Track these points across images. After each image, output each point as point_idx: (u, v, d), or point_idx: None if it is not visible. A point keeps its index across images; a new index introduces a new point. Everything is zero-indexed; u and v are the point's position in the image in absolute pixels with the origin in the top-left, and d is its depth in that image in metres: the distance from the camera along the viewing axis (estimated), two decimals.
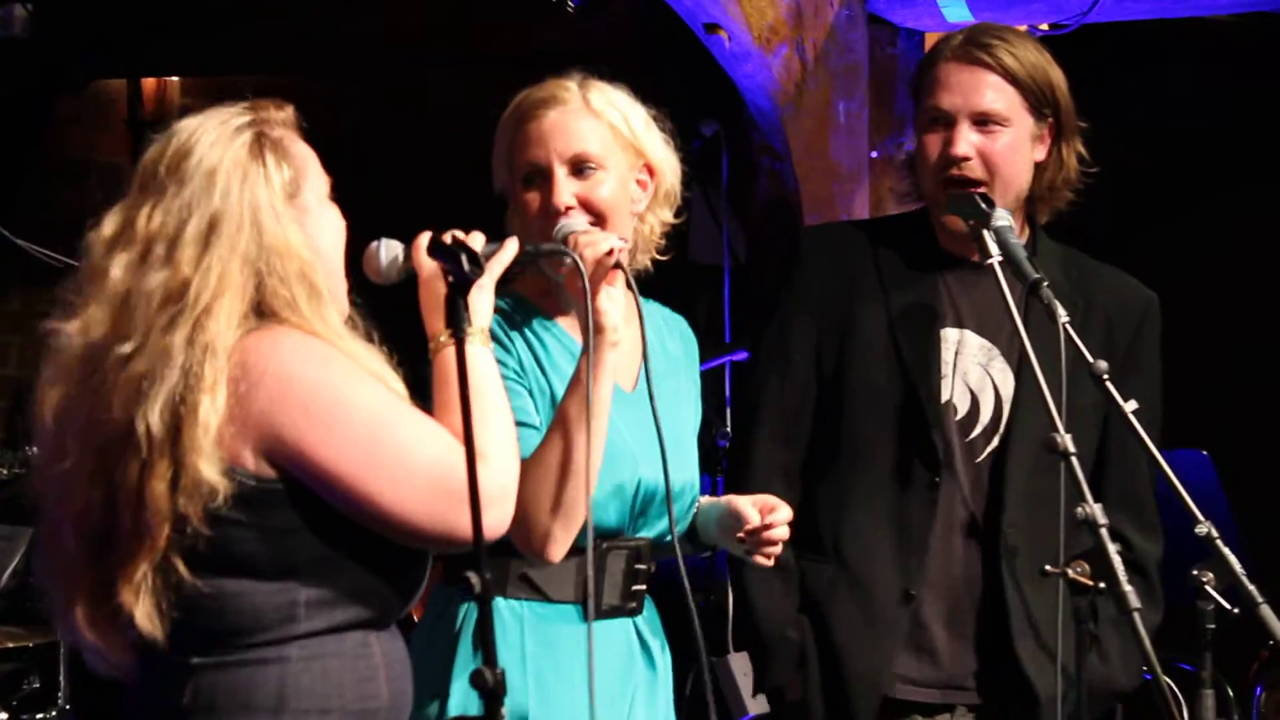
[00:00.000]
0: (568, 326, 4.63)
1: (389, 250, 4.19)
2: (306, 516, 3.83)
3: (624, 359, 4.65)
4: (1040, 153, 5.04)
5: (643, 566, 4.65)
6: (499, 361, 4.35)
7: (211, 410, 3.72)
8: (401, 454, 3.82)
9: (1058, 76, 5.04)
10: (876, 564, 5.00)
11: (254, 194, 3.96)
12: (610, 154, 4.54)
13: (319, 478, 3.81)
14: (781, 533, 4.59)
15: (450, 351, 3.96)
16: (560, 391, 4.49)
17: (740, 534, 4.59)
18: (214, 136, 3.97)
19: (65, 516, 3.92)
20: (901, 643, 4.99)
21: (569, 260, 4.31)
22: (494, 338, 4.41)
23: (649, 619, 4.72)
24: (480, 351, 4.04)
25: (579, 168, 4.52)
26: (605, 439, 4.43)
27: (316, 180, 4.07)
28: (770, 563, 4.62)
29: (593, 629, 4.38)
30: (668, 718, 4.77)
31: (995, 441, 5.04)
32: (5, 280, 9.43)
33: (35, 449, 6.72)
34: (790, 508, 4.72)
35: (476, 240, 4.18)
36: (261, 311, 3.88)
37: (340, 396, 3.84)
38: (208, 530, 3.74)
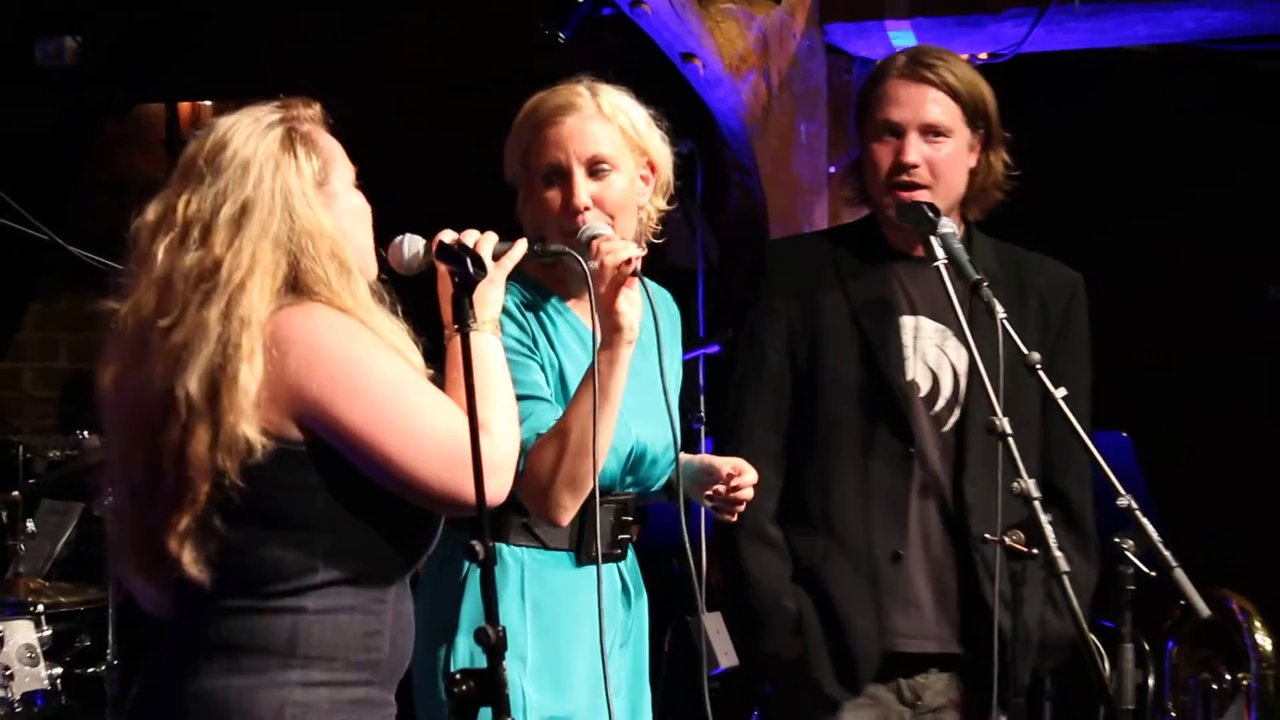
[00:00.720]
0: (579, 310, 4.59)
1: (411, 245, 4.16)
2: (327, 477, 3.84)
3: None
4: (973, 160, 5.03)
5: (629, 518, 4.67)
6: (515, 339, 4.47)
7: (250, 376, 3.74)
8: (416, 420, 3.82)
9: (988, 92, 5.04)
10: (865, 530, 4.96)
11: (286, 182, 3.95)
12: (621, 155, 4.51)
13: (342, 438, 3.82)
14: (747, 494, 4.59)
15: (474, 339, 3.91)
16: (569, 368, 4.53)
17: (710, 491, 4.60)
18: (248, 131, 3.95)
19: (120, 477, 3.95)
20: (894, 599, 4.98)
21: (578, 268, 4.27)
22: (511, 317, 4.49)
23: (630, 566, 4.71)
24: (488, 339, 4.05)
25: (595, 169, 4.48)
26: (617, 421, 4.44)
27: (343, 169, 4.04)
28: (734, 518, 4.63)
29: (600, 576, 4.36)
30: (640, 656, 4.74)
31: (957, 413, 5.02)
32: (56, 283, 9.41)
33: (86, 432, 6.72)
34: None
35: (490, 240, 4.18)
36: (297, 288, 3.87)
37: (364, 366, 3.84)
38: (242, 485, 3.75)
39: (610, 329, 4.34)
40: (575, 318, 4.60)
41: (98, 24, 8.43)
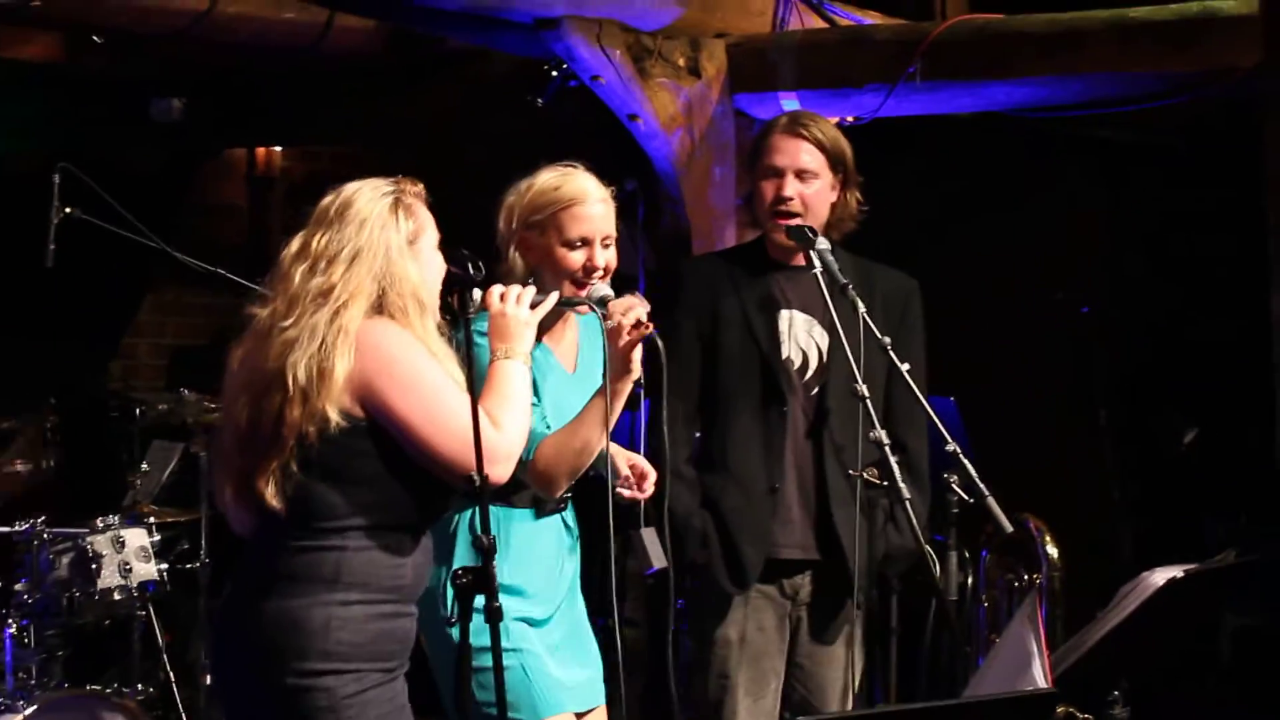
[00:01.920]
0: (550, 344, 4.66)
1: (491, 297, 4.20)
2: (379, 448, 3.97)
3: (567, 351, 4.73)
4: (834, 196, 5.10)
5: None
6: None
7: (341, 369, 3.90)
8: (448, 415, 3.94)
9: (847, 147, 5.12)
10: (750, 469, 5.05)
11: (387, 236, 4.07)
12: (614, 235, 4.61)
13: (393, 421, 3.96)
14: (647, 490, 4.67)
15: (500, 363, 4.18)
16: (544, 388, 4.57)
17: (620, 479, 4.66)
18: (369, 196, 4.11)
19: (229, 428, 4.07)
20: (774, 520, 5.04)
21: (607, 322, 4.40)
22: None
23: (570, 514, 4.76)
24: (518, 366, 4.16)
25: (606, 243, 4.56)
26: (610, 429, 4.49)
27: (430, 234, 4.16)
28: (637, 496, 4.65)
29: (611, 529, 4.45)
30: (577, 571, 4.79)
31: (819, 382, 5.08)
32: (165, 280, 9.35)
33: (185, 390, 6.68)
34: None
35: (529, 292, 4.26)
36: (381, 311, 4.02)
37: (416, 370, 3.98)
38: (318, 445, 3.91)
39: (623, 371, 4.42)
40: (551, 355, 4.68)
41: (197, 89, 8.40)
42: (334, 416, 3.93)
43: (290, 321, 4.00)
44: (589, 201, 4.55)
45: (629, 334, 4.38)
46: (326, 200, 4.14)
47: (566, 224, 4.53)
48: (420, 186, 4.21)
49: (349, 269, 4.03)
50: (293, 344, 3.96)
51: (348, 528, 3.98)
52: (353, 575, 3.97)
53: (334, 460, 3.97)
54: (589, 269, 4.52)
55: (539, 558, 4.63)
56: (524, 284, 4.36)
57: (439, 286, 4.18)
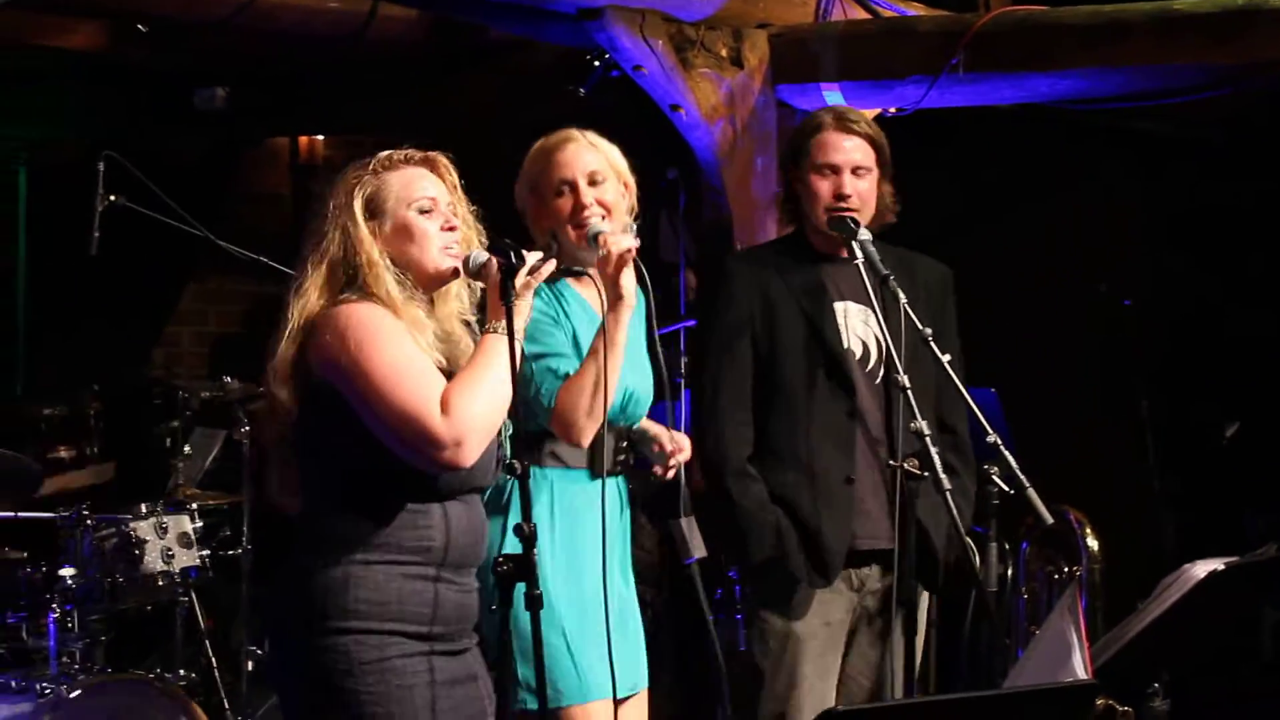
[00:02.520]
0: (587, 296, 4.66)
1: (475, 257, 4.15)
2: (348, 420, 3.92)
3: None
4: (882, 189, 5.10)
5: (624, 444, 4.73)
6: (543, 313, 4.55)
7: (289, 359, 3.90)
8: (392, 393, 3.81)
9: (886, 140, 5.12)
10: (824, 461, 5.01)
11: (344, 218, 3.98)
12: (607, 171, 4.63)
13: (348, 395, 3.87)
14: (683, 456, 4.72)
15: (486, 338, 3.96)
16: (581, 333, 4.60)
17: (656, 448, 4.73)
18: (341, 180, 4.05)
19: (274, 420, 4.07)
20: (852, 511, 5.01)
21: (590, 273, 4.49)
22: (541, 298, 4.52)
23: (623, 483, 4.78)
24: (502, 341, 3.93)
25: (592, 180, 4.59)
26: (621, 366, 4.51)
27: (399, 199, 4.02)
28: (668, 475, 4.70)
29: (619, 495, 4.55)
30: (627, 550, 4.83)
31: (882, 370, 5.05)
32: (207, 268, 9.38)
33: (227, 378, 6.72)
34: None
35: (533, 256, 4.05)
36: (357, 286, 3.93)
37: (382, 348, 3.85)
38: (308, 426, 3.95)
39: (615, 298, 4.44)
40: (584, 301, 4.68)
41: (240, 78, 8.43)
42: (293, 401, 3.94)
43: (286, 315, 4.02)
44: (563, 146, 4.66)
45: (614, 261, 4.43)
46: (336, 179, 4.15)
47: (551, 174, 4.63)
48: (407, 150, 4.10)
49: (315, 256, 3.99)
50: (283, 334, 3.98)
51: (361, 494, 3.94)
52: (374, 538, 3.91)
53: (319, 434, 3.97)
54: (578, 207, 4.58)
55: (593, 525, 4.60)
56: (546, 250, 4.31)
57: (416, 248, 4.03)
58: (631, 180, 4.70)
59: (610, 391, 4.47)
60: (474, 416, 3.84)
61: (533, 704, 4.37)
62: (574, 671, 4.54)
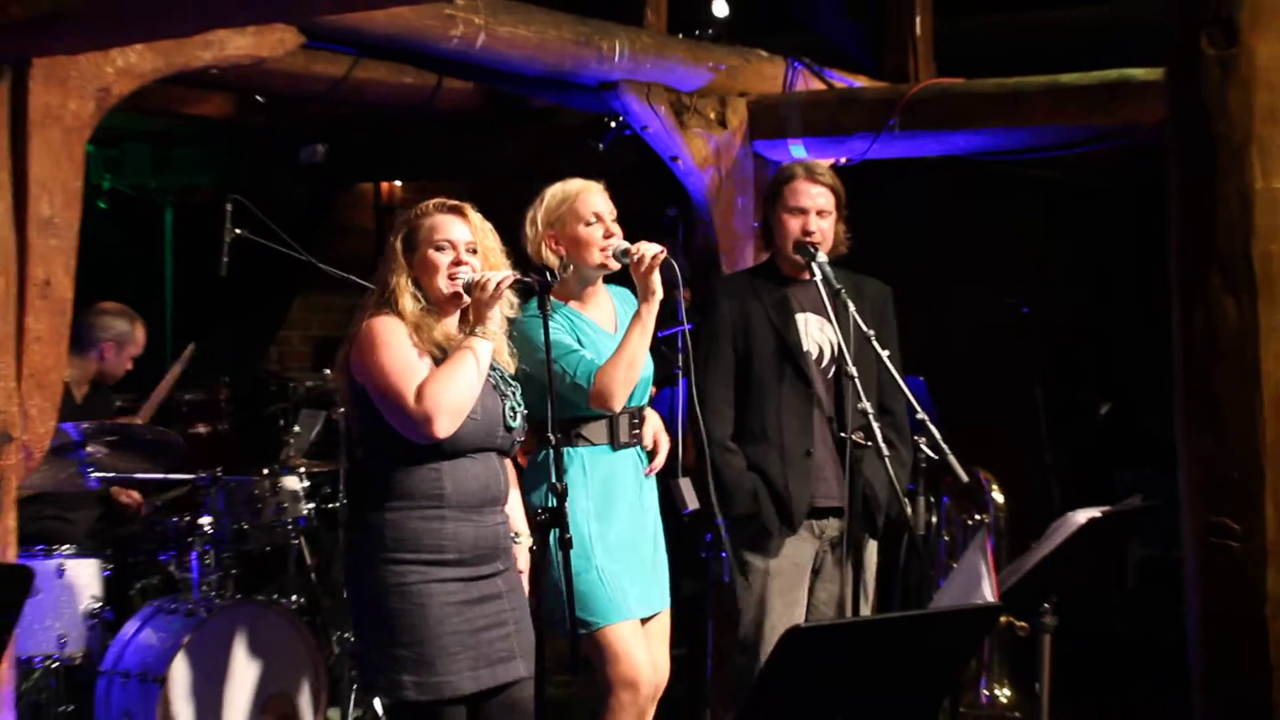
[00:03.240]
0: (580, 308, 4.73)
1: (466, 282, 4.07)
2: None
3: (606, 316, 4.80)
4: (837, 228, 5.10)
5: (637, 421, 4.76)
6: (565, 331, 4.60)
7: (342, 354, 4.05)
8: (383, 386, 3.93)
9: (843, 189, 5.12)
10: (789, 438, 5.02)
11: (392, 252, 4.07)
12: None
13: (368, 390, 3.98)
14: (663, 453, 4.84)
15: (463, 341, 4.01)
16: (585, 338, 4.65)
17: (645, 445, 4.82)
18: (397, 225, 4.15)
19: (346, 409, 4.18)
20: (811, 477, 5.03)
21: (632, 258, 4.57)
22: (557, 323, 4.55)
23: (640, 451, 4.79)
24: (482, 343, 4.01)
25: (611, 216, 4.71)
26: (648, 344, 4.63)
27: (429, 240, 4.08)
28: (655, 466, 4.83)
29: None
30: (655, 496, 4.86)
31: (833, 367, 5.06)
32: (311, 285, 9.40)
33: (327, 370, 6.73)
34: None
35: (496, 275, 4.05)
36: (387, 304, 4.03)
37: (377, 347, 3.95)
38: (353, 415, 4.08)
39: (647, 293, 4.55)
40: (578, 313, 4.73)
41: (335, 137, 8.45)
42: (351, 387, 4.03)
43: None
44: (589, 189, 4.73)
45: (648, 263, 4.53)
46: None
47: (580, 209, 4.67)
48: (443, 200, 4.15)
49: (374, 279, 4.12)
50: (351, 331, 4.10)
51: (390, 458, 4.01)
52: (400, 489, 3.98)
53: (361, 415, 4.04)
54: (606, 235, 4.66)
55: (620, 485, 4.67)
56: (561, 271, 4.56)
57: (434, 278, 4.05)
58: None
59: (639, 365, 4.59)
60: (442, 399, 3.90)
61: (575, 631, 4.32)
62: (607, 598, 4.57)
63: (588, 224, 4.66)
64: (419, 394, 3.88)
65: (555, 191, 4.74)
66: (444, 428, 3.90)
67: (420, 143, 8.20)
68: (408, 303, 4.01)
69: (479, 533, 4.02)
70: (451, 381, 3.91)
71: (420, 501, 3.98)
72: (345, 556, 4.16)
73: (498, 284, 4.01)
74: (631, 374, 4.58)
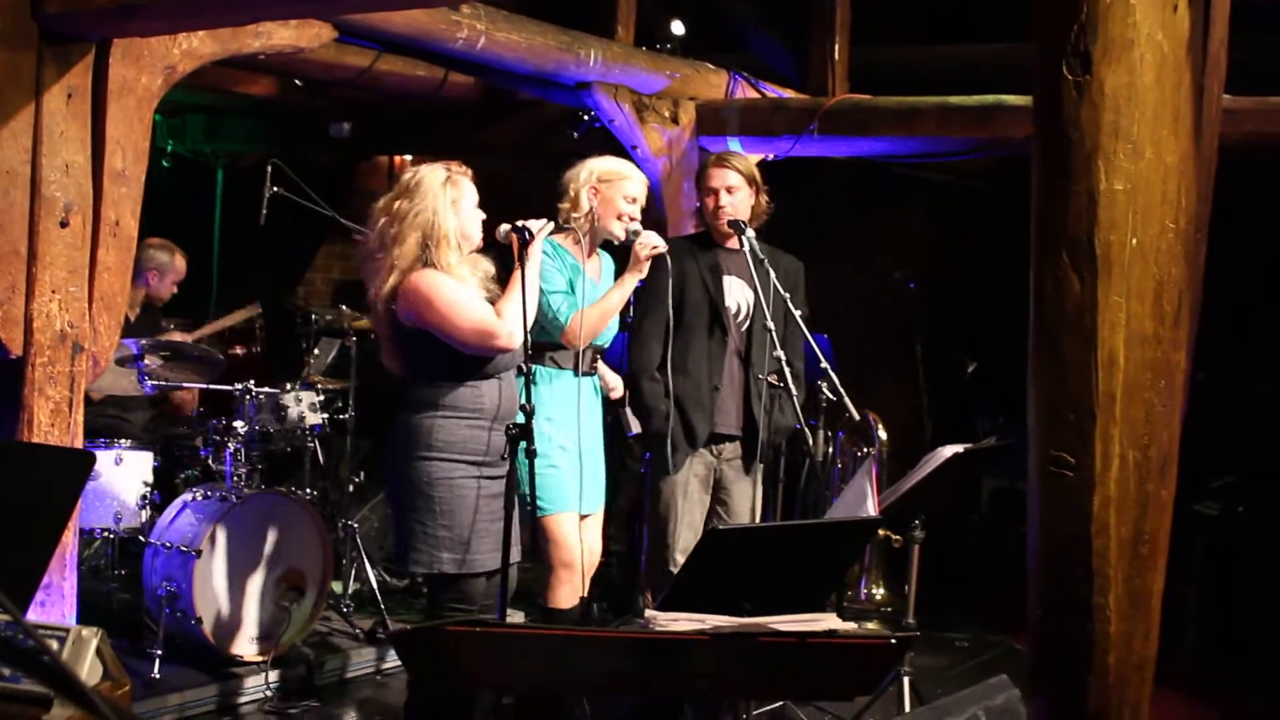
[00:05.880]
0: (573, 252, 4.73)
1: (502, 231, 4.19)
2: (426, 338, 4.01)
3: (594, 270, 4.82)
4: (753, 200, 5.04)
5: (598, 356, 4.80)
6: (557, 271, 4.62)
7: (394, 295, 3.99)
8: (456, 319, 3.96)
9: (757, 170, 5.07)
10: (701, 374, 4.98)
11: (438, 202, 4.01)
12: (645, 198, 4.84)
13: (430, 327, 3.98)
14: (619, 387, 4.96)
15: (514, 275, 4.09)
16: (575, 283, 4.67)
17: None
18: (431, 175, 4.09)
19: (381, 333, 4.15)
20: (715, 407, 4.99)
21: (637, 240, 4.64)
22: (551, 261, 4.60)
23: (595, 379, 4.83)
24: (529, 273, 4.10)
25: (639, 200, 4.79)
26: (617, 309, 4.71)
27: (470, 197, 4.12)
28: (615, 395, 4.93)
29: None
30: (600, 419, 4.88)
31: (747, 321, 5.04)
32: (335, 237, 9.38)
33: (344, 306, 6.66)
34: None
35: (536, 224, 4.21)
36: (427, 251, 4.01)
37: (436, 294, 3.96)
38: (395, 340, 4.07)
39: (637, 269, 4.62)
40: (568, 253, 4.72)
41: (359, 116, 8.39)
42: (400, 326, 4.01)
43: (380, 256, 4.04)
44: (641, 181, 4.80)
45: (649, 250, 4.63)
46: (407, 175, 4.14)
47: (625, 188, 4.74)
48: (464, 167, 4.16)
49: (410, 225, 4.03)
50: (379, 275, 4.01)
51: (440, 378, 4.04)
52: (448, 402, 4.03)
53: (417, 346, 4.04)
54: (632, 216, 4.74)
55: (577, 404, 4.69)
56: (587, 217, 4.66)
57: (478, 228, 4.14)
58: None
59: (610, 318, 4.67)
60: (514, 318, 4.00)
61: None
62: (557, 490, 4.62)
63: (627, 200, 4.74)
64: (499, 314, 4.01)
65: (615, 162, 4.84)
66: (517, 341, 4.04)
67: (428, 124, 8.15)
68: (452, 255, 4.05)
69: (499, 440, 4.09)
70: (516, 305, 4.03)
71: (466, 413, 4.04)
72: (388, 450, 4.14)
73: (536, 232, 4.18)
74: (601, 324, 4.66)
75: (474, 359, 4.06)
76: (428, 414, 4.03)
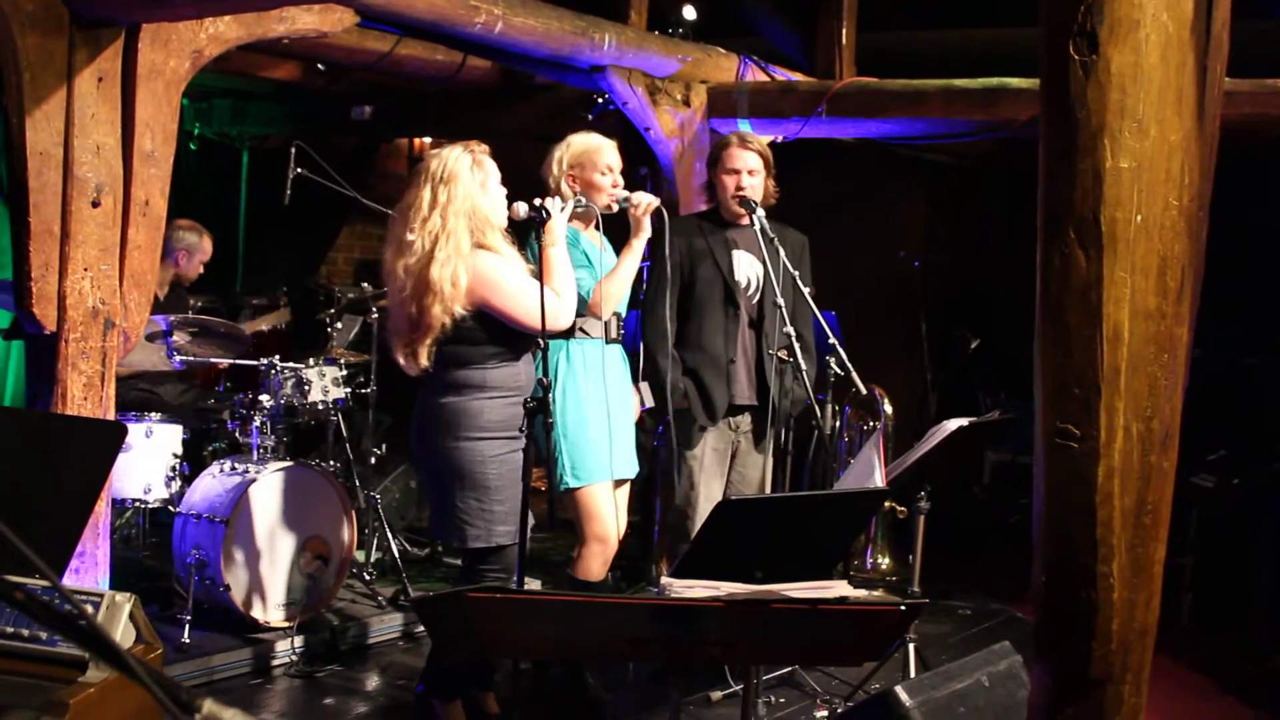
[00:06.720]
0: (590, 238, 4.73)
1: (520, 207, 4.18)
2: (485, 321, 4.01)
3: (594, 239, 4.79)
4: (767, 184, 5.03)
5: (618, 324, 4.75)
6: (571, 246, 4.55)
7: (463, 283, 3.97)
8: (522, 301, 3.97)
9: (770, 154, 5.06)
10: (717, 349, 4.99)
11: (470, 187, 4.00)
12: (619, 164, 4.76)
13: (495, 311, 3.99)
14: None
15: (549, 251, 4.15)
16: (591, 257, 4.67)
17: None
18: (456, 158, 4.06)
19: (402, 314, 4.07)
20: (730, 380, 5.00)
21: (630, 202, 4.62)
22: (571, 243, 4.56)
23: (621, 348, 4.80)
24: (559, 249, 4.18)
25: (619, 168, 4.73)
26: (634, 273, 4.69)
27: (494, 177, 4.11)
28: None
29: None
30: (629, 385, 4.84)
31: (758, 295, 5.03)
32: (356, 217, 9.37)
33: (365, 284, 6.66)
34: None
35: (553, 204, 4.25)
36: (472, 237, 3.99)
37: (502, 280, 3.98)
38: (450, 328, 3.98)
39: (639, 230, 4.60)
40: (585, 238, 4.71)
41: (380, 99, 8.36)
42: (460, 312, 3.98)
43: (429, 246, 3.99)
44: (608, 146, 4.73)
45: (644, 208, 4.62)
46: (431, 162, 4.10)
47: (597, 161, 4.68)
48: (485, 146, 4.15)
49: (450, 212, 3.99)
50: (432, 262, 3.97)
51: (486, 360, 4.04)
52: (492, 383, 4.05)
53: (467, 332, 4.01)
54: (617, 183, 4.69)
55: (609, 372, 4.67)
56: (576, 202, 4.55)
57: (504, 211, 4.13)
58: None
59: (628, 283, 4.66)
60: (571, 291, 4.18)
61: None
62: (595, 460, 4.61)
63: (602, 173, 4.68)
64: (559, 292, 4.08)
65: (579, 140, 4.74)
66: (573, 315, 4.18)
67: (447, 107, 8.13)
68: (497, 238, 4.07)
69: (522, 414, 4.10)
70: (567, 276, 4.15)
71: (508, 392, 4.07)
72: (432, 433, 4.11)
73: (561, 209, 4.27)
74: (622, 289, 4.66)
75: (522, 339, 4.10)
76: (474, 396, 4.04)
